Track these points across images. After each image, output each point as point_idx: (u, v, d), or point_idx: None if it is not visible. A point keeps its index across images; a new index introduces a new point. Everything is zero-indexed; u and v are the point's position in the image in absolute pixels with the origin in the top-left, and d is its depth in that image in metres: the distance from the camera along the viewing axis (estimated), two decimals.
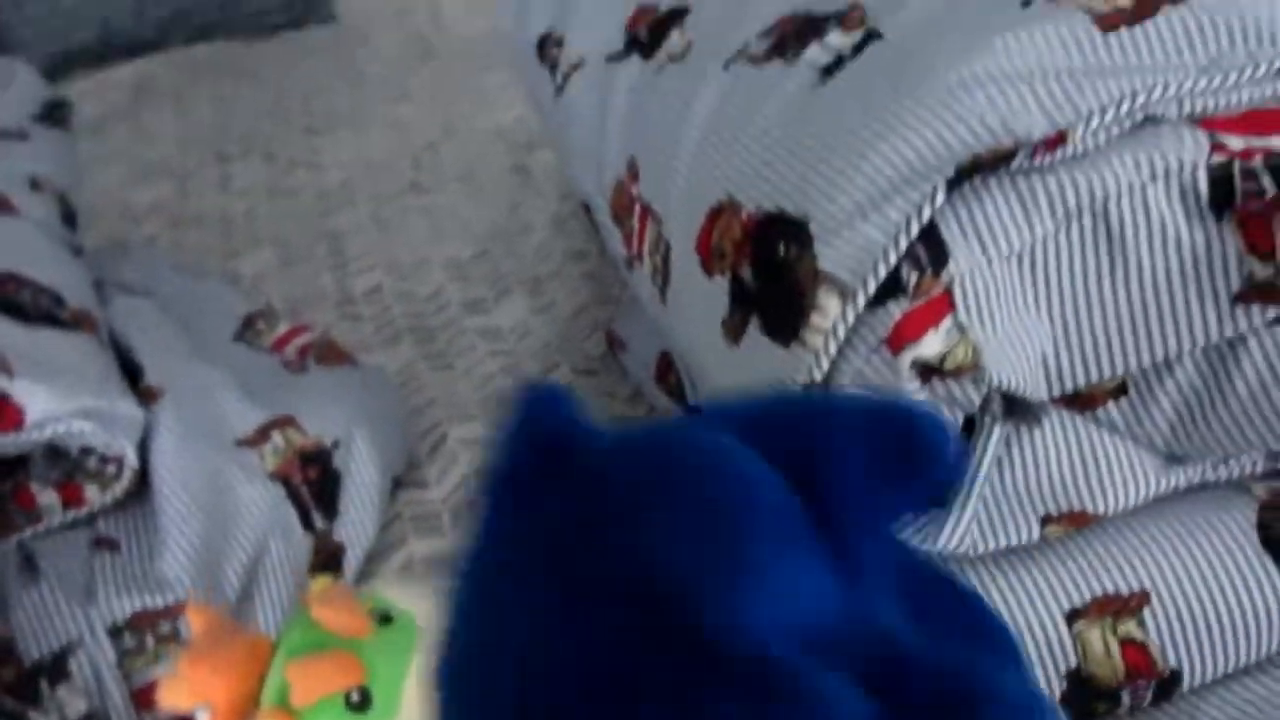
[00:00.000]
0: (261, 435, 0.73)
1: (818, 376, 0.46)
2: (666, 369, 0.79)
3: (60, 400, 0.66)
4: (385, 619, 0.54)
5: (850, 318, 0.45)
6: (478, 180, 1.13)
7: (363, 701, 0.50)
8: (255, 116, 1.32)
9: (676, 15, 0.67)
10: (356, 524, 0.73)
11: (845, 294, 0.44)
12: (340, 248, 1.06)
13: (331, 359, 0.85)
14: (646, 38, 0.68)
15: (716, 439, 0.21)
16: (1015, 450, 0.49)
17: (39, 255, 0.75)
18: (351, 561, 0.73)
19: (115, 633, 0.62)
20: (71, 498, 0.69)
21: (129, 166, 1.25)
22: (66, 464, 0.70)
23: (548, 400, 0.22)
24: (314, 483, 0.72)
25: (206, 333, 0.87)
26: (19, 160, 0.83)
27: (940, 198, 0.43)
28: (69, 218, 0.85)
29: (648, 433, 0.21)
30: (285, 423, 0.74)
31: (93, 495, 0.69)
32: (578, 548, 0.19)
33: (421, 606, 0.56)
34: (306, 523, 0.71)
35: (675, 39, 0.66)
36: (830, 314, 0.45)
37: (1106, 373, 0.47)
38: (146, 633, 0.62)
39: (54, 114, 0.93)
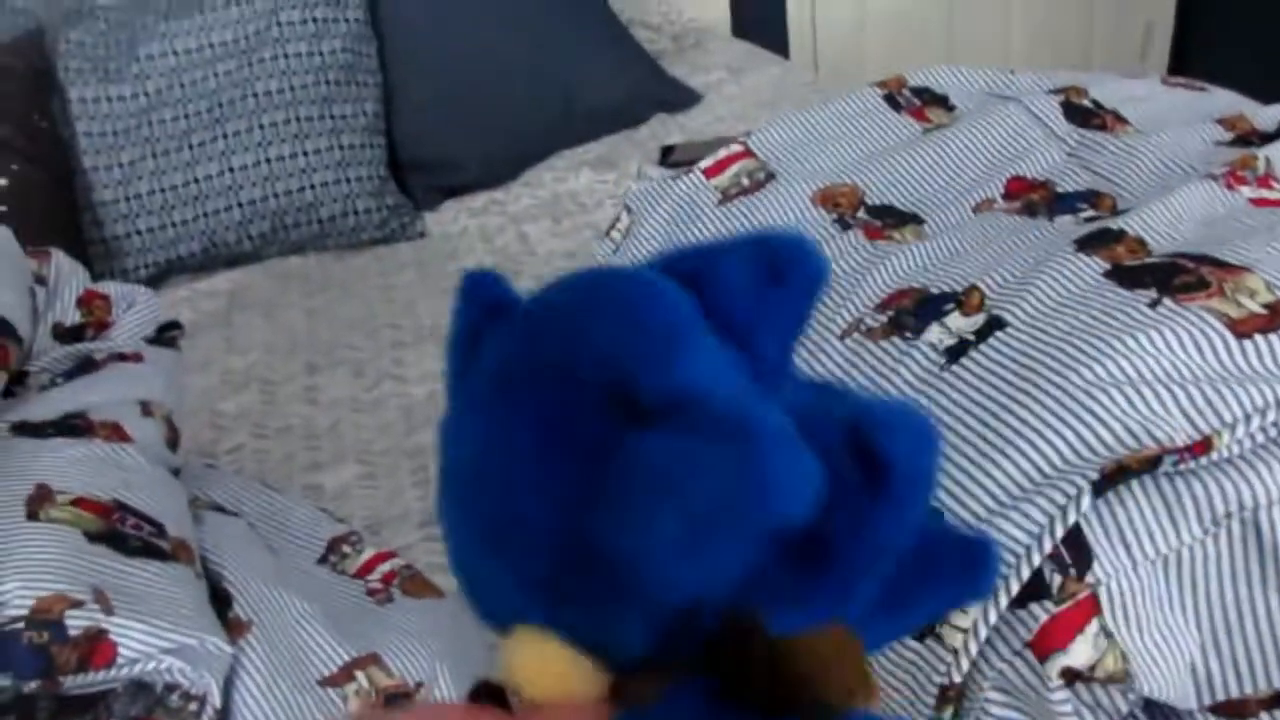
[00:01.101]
0: (345, 674, 0.72)
1: (957, 678, 0.44)
2: None
3: (154, 637, 0.65)
4: None
5: (992, 617, 0.43)
6: None
7: None
8: (344, 328, 1.36)
9: None
10: None
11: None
12: (424, 464, 1.07)
13: (416, 589, 0.84)
14: None
15: (629, 269, 0.23)
16: None
17: (145, 484, 0.76)
18: None
19: None
20: None
21: (219, 375, 1.29)
22: (148, 699, 0.69)
23: (487, 277, 0.25)
24: None
25: (292, 555, 0.86)
26: (134, 384, 0.86)
27: (1086, 500, 0.43)
28: (173, 442, 0.87)
29: (568, 275, 0.23)
30: (370, 661, 0.73)
31: None
32: (519, 361, 0.22)
33: None
34: None
35: None
36: (971, 613, 0.43)
37: (1261, 684, 0.45)
38: None
39: (166, 335, 0.97)
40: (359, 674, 0.72)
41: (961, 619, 0.43)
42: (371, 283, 1.48)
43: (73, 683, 0.63)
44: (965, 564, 0.21)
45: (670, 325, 0.21)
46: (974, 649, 0.43)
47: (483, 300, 0.23)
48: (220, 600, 0.74)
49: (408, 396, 1.20)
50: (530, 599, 0.21)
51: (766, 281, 0.22)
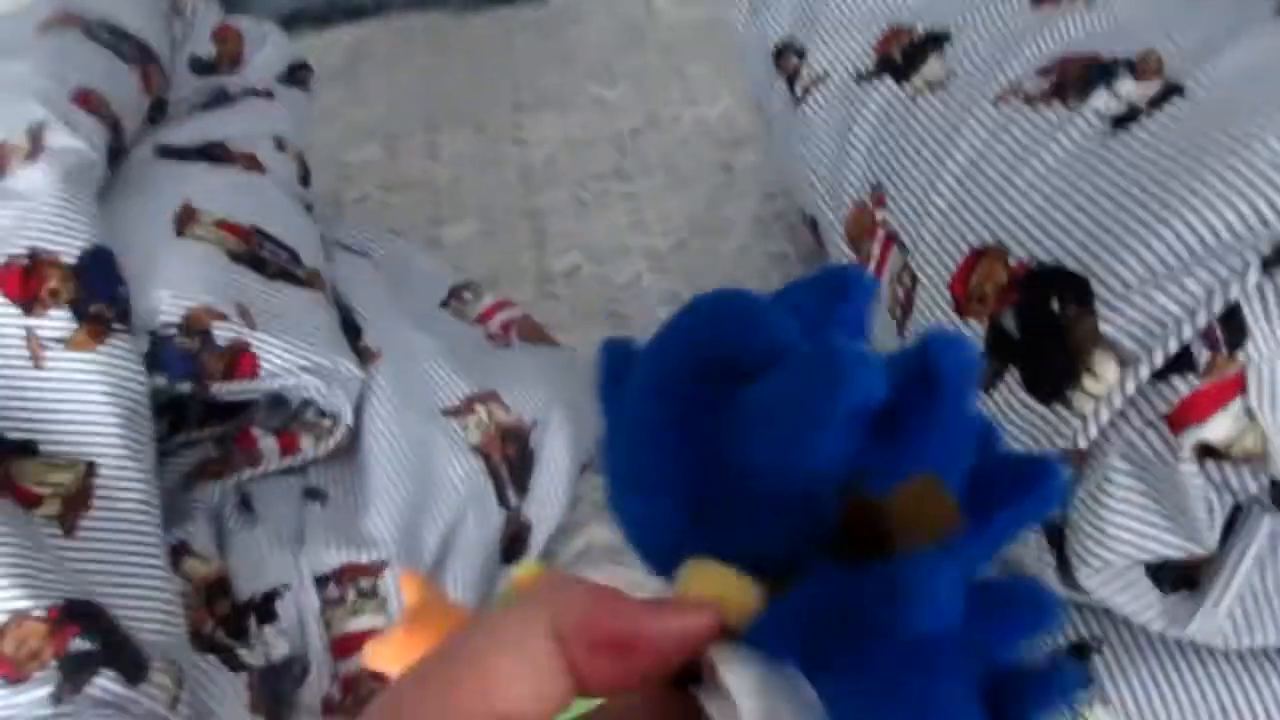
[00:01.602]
0: (467, 408, 0.75)
1: (1083, 443, 0.44)
2: None
3: (292, 354, 0.69)
4: None
5: (1130, 388, 0.42)
6: (680, 172, 1.13)
7: None
8: (464, 88, 1.35)
9: (935, 41, 0.65)
10: (546, 505, 0.75)
11: (1127, 362, 0.42)
12: (542, 225, 1.08)
13: (533, 336, 0.86)
14: (901, 61, 0.66)
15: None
16: None
17: (281, 213, 0.79)
18: (537, 541, 0.74)
19: (321, 582, 0.65)
20: (288, 446, 0.72)
21: (344, 126, 1.30)
22: (286, 414, 0.74)
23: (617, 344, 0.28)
24: (511, 460, 0.74)
25: (416, 298, 0.89)
26: (267, 120, 0.87)
27: (1254, 277, 0.40)
28: (304, 178, 0.89)
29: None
30: (489, 398, 0.76)
31: (307, 446, 0.72)
32: (654, 366, 0.26)
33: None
34: (501, 499, 0.73)
35: (934, 66, 0.63)
36: (1107, 381, 0.42)
37: None
38: (349, 586, 0.65)
39: (296, 75, 0.97)
40: (479, 408, 0.75)
41: (1094, 385, 0.43)
42: (493, 45, 1.45)
43: (219, 389, 0.68)
44: (1022, 484, 0.24)
45: (756, 309, 0.26)
46: (1105, 417, 0.43)
47: (615, 357, 0.28)
48: (350, 331, 0.78)
49: (528, 159, 1.20)
50: (685, 533, 0.25)
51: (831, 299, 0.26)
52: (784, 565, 0.23)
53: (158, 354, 0.64)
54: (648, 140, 1.19)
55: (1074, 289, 0.44)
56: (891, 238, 0.59)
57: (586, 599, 0.22)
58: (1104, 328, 0.43)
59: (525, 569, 0.59)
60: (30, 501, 0.57)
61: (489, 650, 0.22)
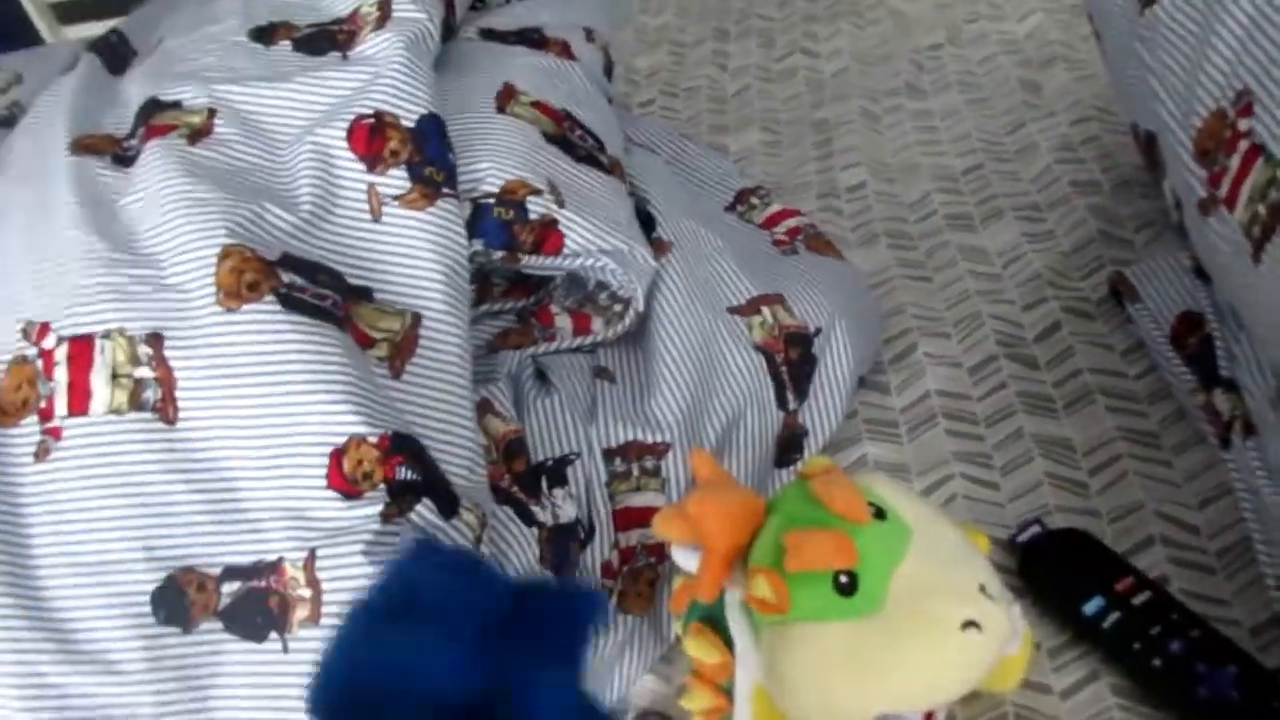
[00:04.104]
0: (752, 307, 0.75)
1: None
2: (1186, 330, 0.71)
3: (595, 236, 0.71)
4: (879, 514, 0.53)
5: None
6: (981, 90, 1.06)
7: (850, 585, 0.51)
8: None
9: None
10: (823, 412, 0.74)
11: None
12: (828, 139, 1.05)
13: (819, 247, 0.85)
14: None
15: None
16: None
17: (589, 101, 0.81)
18: (812, 447, 0.74)
19: (608, 455, 0.67)
20: (581, 325, 0.75)
21: (632, 32, 1.31)
22: (581, 295, 0.77)
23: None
24: (793, 363, 0.73)
25: (705, 197, 0.90)
26: (578, 10, 0.89)
27: None
28: (608, 70, 0.90)
29: None
30: (775, 300, 0.75)
31: (599, 327, 0.75)
32: None
33: (912, 509, 0.56)
34: (781, 400, 0.72)
35: None
36: None
37: None
38: (634, 462, 0.67)
39: None
40: (764, 309, 0.75)
41: None
42: None
43: (527, 262, 0.71)
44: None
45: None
46: None
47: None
48: (644, 222, 0.79)
49: (817, 71, 1.17)
50: None
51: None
52: None
53: (477, 221, 0.68)
54: (947, 56, 1.13)
55: None
56: (1258, 149, 0.53)
57: None
58: None
59: (816, 462, 0.58)
60: (364, 343, 0.62)
61: None
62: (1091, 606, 0.61)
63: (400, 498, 0.55)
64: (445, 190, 0.66)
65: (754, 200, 0.89)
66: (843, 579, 0.51)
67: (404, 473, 0.56)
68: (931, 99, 1.08)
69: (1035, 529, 0.66)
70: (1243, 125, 0.55)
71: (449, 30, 0.77)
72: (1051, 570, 0.64)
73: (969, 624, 0.50)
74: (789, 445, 0.73)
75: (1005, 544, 0.67)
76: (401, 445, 0.57)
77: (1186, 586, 0.63)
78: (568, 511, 0.65)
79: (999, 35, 1.14)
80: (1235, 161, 0.55)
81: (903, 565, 0.52)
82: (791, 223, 0.86)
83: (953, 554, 0.53)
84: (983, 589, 0.52)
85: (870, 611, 0.51)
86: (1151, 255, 0.81)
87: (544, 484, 0.65)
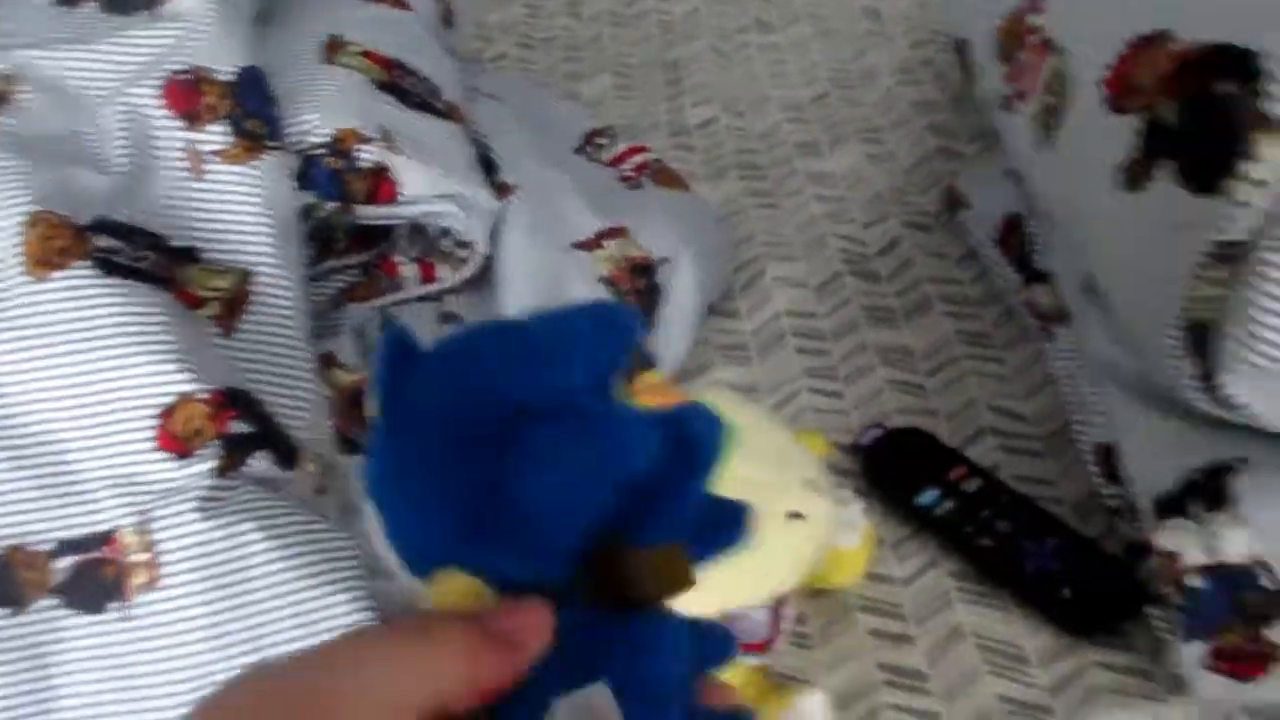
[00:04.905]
0: (597, 241, 0.76)
1: (1238, 235, 0.41)
2: (1010, 231, 0.74)
3: (431, 182, 0.71)
4: None
5: None
6: (825, 21, 1.09)
7: None
8: None
9: None
10: (671, 340, 0.76)
11: None
12: (679, 78, 1.06)
13: (665, 180, 0.86)
14: None
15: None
16: None
17: (422, 48, 0.80)
18: (662, 375, 0.75)
19: None
20: (428, 274, 0.75)
21: None
22: (424, 242, 0.77)
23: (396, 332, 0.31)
24: (640, 293, 0.75)
25: (552, 141, 0.90)
26: None
27: None
28: (447, 19, 0.90)
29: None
30: (619, 233, 0.77)
31: (445, 274, 0.75)
32: (432, 394, 0.29)
33: (739, 416, 0.57)
34: None
35: None
36: (1271, 163, 0.39)
37: None
38: None
39: None
40: (609, 242, 0.76)
41: (1258, 170, 0.39)
42: None
43: (362, 212, 0.71)
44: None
45: (543, 347, 0.29)
46: (1265, 203, 0.40)
47: (396, 351, 0.29)
48: (487, 167, 0.80)
49: (667, 13, 1.18)
50: (449, 545, 0.28)
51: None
52: (529, 589, 0.27)
53: (307, 172, 0.67)
54: None
55: (1240, 66, 0.41)
56: (1046, 43, 0.55)
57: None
58: (1269, 107, 0.40)
59: (647, 376, 0.60)
60: (193, 304, 0.61)
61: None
62: (927, 497, 0.64)
63: (235, 451, 0.55)
64: (269, 143, 0.65)
65: (601, 141, 0.90)
66: None
67: (238, 426, 0.56)
68: (779, 33, 1.09)
69: (876, 431, 0.69)
70: (1033, 21, 0.58)
71: None
72: (890, 468, 0.67)
73: (794, 515, 0.53)
74: (640, 373, 0.75)
75: (850, 448, 0.69)
76: (235, 400, 0.57)
77: (1017, 471, 0.67)
78: None
79: None
80: (1028, 56, 0.58)
81: (731, 467, 0.54)
82: (638, 159, 0.88)
83: (779, 453, 0.55)
84: (807, 483, 0.54)
85: None
86: (979, 162, 0.84)
87: None
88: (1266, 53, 0.40)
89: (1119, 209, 0.46)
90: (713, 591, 0.52)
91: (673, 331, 0.76)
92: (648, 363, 0.75)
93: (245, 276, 0.63)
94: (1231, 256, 0.41)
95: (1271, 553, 0.47)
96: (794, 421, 0.72)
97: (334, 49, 0.73)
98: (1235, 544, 0.47)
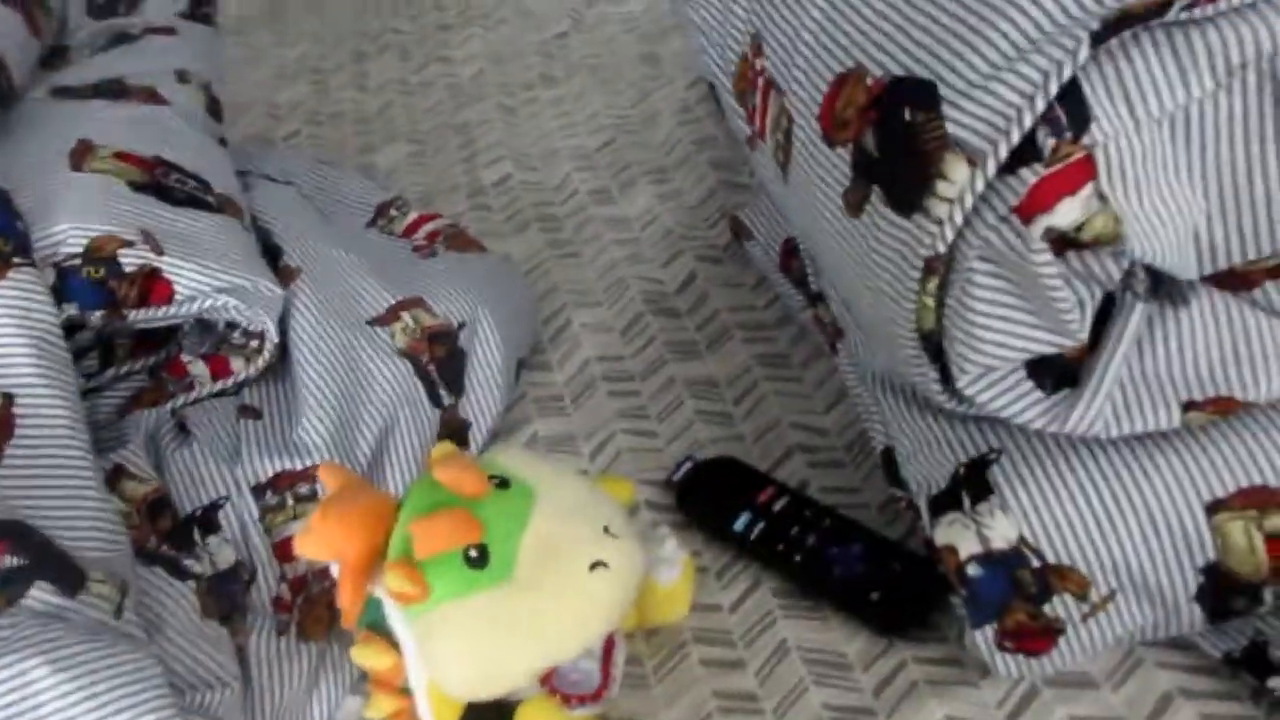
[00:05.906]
0: (392, 315, 0.76)
1: (941, 249, 0.44)
2: (790, 256, 0.78)
3: (207, 277, 0.69)
4: (503, 484, 0.55)
5: (979, 186, 0.42)
6: (606, 70, 1.12)
7: (480, 558, 0.53)
8: (389, 14, 1.33)
9: None
10: (481, 401, 0.76)
11: (974, 160, 0.42)
12: (471, 139, 1.07)
13: (460, 244, 0.87)
14: None
15: None
16: (1159, 331, 0.47)
17: (186, 143, 0.78)
18: (477, 437, 0.75)
19: (258, 491, 0.66)
20: (219, 369, 0.73)
21: (272, 68, 1.29)
22: (214, 338, 0.75)
23: None
24: (441, 361, 0.75)
25: (342, 220, 0.90)
26: (167, 55, 0.87)
27: (1084, 53, 0.40)
28: (214, 110, 0.88)
29: None
30: (414, 304, 0.76)
31: (238, 367, 0.73)
32: None
33: (534, 472, 0.58)
34: (434, 399, 0.73)
35: None
36: (958, 182, 0.42)
37: (1266, 248, 0.44)
38: (286, 492, 0.66)
39: (199, 11, 0.96)
40: (404, 314, 0.76)
41: (947, 188, 0.43)
42: None
43: (135, 317, 0.68)
44: None
45: None
46: (959, 219, 0.43)
47: None
48: (270, 254, 0.78)
49: (454, 75, 1.19)
50: None
51: None
52: None
53: (64, 284, 0.65)
54: (573, 43, 1.18)
55: (923, 95, 0.44)
56: (769, 84, 0.58)
57: None
58: (951, 129, 0.43)
59: (440, 449, 0.59)
60: None
61: None
62: (740, 522, 0.66)
63: (8, 587, 0.52)
64: (17, 260, 0.62)
65: (393, 212, 0.90)
66: (472, 553, 0.52)
67: (9, 560, 0.53)
68: (562, 85, 1.12)
69: (687, 465, 0.71)
70: (758, 64, 0.61)
71: (6, 96, 0.73)
72: (704, 498, 0.69)
73: (596, 564, 0.53)
74: (455, 438, 0.74)
75: (664, 484, 0.71)
76: (4, 533, 0.54)
77: (826, 483, 0.69)
78: (226, 556, 0.63)
79: (618, 15, 1.20)
80: (758, 98, 0.61)
81: (530, 527, 0.54)
82: (430, 226, 0.88)
83: (576, 505, 0.56)
84: (607, 530, 0.55)
85: (505, 577, 0.52)
86: (758, 192, 0.87)
87: (197, 534, 0.64)
88: (943, 79, 0.44)
89: (848, 234, 0.49)
90: (534, 650, 0.53)
91: (483, 393, 0.76)
92: (460, 428, 0.75)
93: (6, 400, 0.60)
94: (940, 269, 0.44)
95: (1033, 533, 0.50)
96: (611, 465, 0.73)
97: (83, 155, 0.71)
98: (1001, 530, 0.50)
